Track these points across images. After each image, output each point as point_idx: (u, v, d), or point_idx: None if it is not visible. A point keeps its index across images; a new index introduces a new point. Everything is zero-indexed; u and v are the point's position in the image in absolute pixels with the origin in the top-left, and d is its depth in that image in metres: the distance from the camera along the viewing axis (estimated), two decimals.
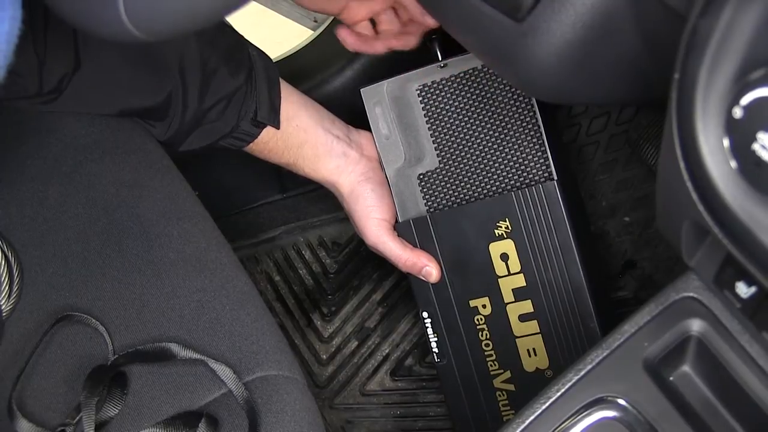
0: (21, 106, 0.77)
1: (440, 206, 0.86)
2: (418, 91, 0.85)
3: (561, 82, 0.60)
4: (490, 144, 0.84)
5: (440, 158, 0.85)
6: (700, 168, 0.45)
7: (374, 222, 0.86)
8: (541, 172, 0.82)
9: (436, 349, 0.89)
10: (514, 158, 0.83)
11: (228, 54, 0.78)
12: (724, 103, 0.43)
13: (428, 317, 0.88)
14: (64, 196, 0.77)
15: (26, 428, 0.69)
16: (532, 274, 0.84)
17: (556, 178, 0.81)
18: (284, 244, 1.15)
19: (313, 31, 1.13)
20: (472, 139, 0.84)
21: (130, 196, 0.77)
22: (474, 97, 0.83)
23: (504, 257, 0.84)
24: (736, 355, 0.53)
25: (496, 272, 0.85)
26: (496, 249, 0.84)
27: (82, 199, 0.77)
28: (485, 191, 0.84)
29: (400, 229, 0.87)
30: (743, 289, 0.51)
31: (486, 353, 0.88)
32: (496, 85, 0.83)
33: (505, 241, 0.84)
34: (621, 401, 0.55)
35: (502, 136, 0.83)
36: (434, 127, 0.85)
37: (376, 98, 0.86)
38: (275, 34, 1.27)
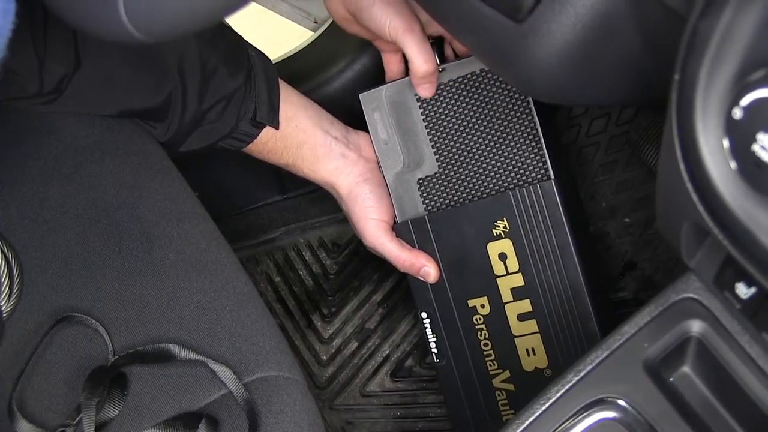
0: (21, 106, 0.77)
1: (439, 208, 0.86)
2: (418, 96, 0.85)
3: (561, 83, 0.60)
4: (488, 145, 0.83)
5: (439, 163, 0.85)
6: (700, 169, 0.45)
7: (372, 223, 0.86)
8: (538, 172, 0.82)
9: (435, 350, 0.89)
10: (512, 158, 0.83)
11: (227, 54, 0.79)
12: (724, 104, 0.43)
13: (427, 317, 0.88)
14: (64, 197, 0.77)
15: (26, 429, 0.69)
16: (531, 273, 0.83)
17: (553, 177, 0.81)
18: (284, 245, 1.15)
19: (313, 33, 1.14)
20: (471, 142, 0.84)
21: (130, 197, 0.77)
22: (472, 100, 0.83)
23: (502, 257, 0.84)
24: (736, 355, 0.53)
25: (495, 272, 0.85)
26: (494, 249, 0.84)
27: (83, 200, 0.77)
28: (483, 192, 0.84)
29: (399, 230, 0.87)
30: (743, 290, 0.51)
31: (485, 353, 0.88)
32: (494, 88, 0.82)
33: (503, 240, 0.84)
34: (621, 402, 0.55)
35: (500, 137, 0.83)
36: (433, 131, 0.85)
37: (375, 103, 0.86)
38: (275, 35, 1.27)
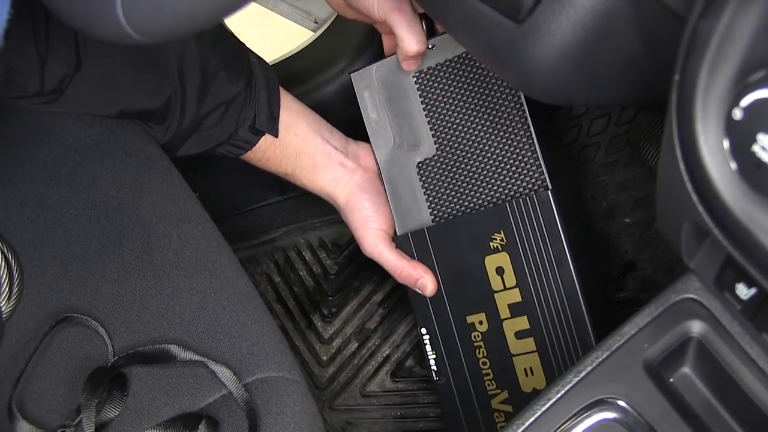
0: (21, 106, 0.77)
1: (439, 194, 0.84)
2: (415, 77, 0.83)
3: (561, 84, 0.60)
4: (484, 144, 0.82)
5: (438, 144, 0.83)
6: (700, 169, 0.45)
7: (372, 232, 0.86)
8: (535, 181, 0.80)
9: (434, 368, 0.88)
10: (508, 167, 0.81)
11: (228, 60, 0.79)
12: (724, 105, 0.43)
13: (426, 334, 0.87)
14: (64, 197, 0.77)
15: (26, 430, 0.69)
16: (528, 288, 0.81)
17: (550, 187, 0.79)
18: (284, 246, 1.15)
19: (313, 33, 1.14)
20: (467, 128, 0.82)
21: (130, 198, 0.77)
22: (469, 87, 0.81)
23: (499, 271, 0.82)
24: (737, 356, 0.53)
25: (492, 287, 0.83)
26: (491, 262, 0.83)
27: (82, 200, 0.77)
28: (481, 201, 0.83)
29: (399, 243, 0.86)
30: (743, 291, 0.51)
31: (483, 372, 0.86)
32: (489, 85, 0.81)
33: (500, 254, 0.82)
34: (621, 403, 0.55)
35: (496, 139, 0.81)
36: (431, 113, 0.83)
37: (366, 82, 0.85)
38: (275, 35, 1.27)
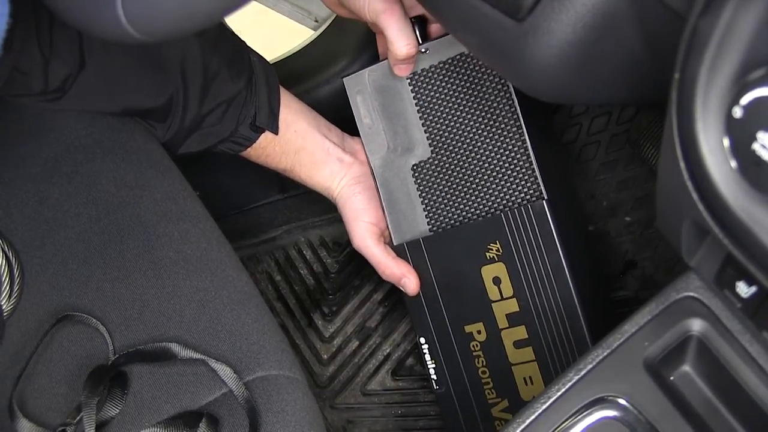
0: (24, 102, 0.77)
1: (435, 199, 0.84)
2: (408, 80, 0.82)
3: (561, 83, 0.60)
4: (479, 148, 0.81)
5: (432, 147, 0.83)
6: (700, 168, 0.45)
7: (362, 225, 0.86)
8: (529, 191, 0.79)
9: (434, 376, 0.88)
10: (503, 176, 0.80)
11: (229, 58, 0.79)
12: (724, 103, 0.43)
13: (425, 343, 0.87)
14: (64, 196, 0.77)
15: (27, 428, 0.69)
16: (525, 298, 0.81)
17: (546, 197, 0.78)
18: (285, 244, 1.15)
19: (313, 31, 1.14)
20: (463, 132, 0.81)
21: (130, 197, 0.77)
22: (464, 89, 0.81)
23: (496, 281, 0.82)
24: (737, 354, 0.53)
25: (489, 296, 0.83)
26: (488, 272, 0.82)
27: (83, 199, 0.77)
28: (477, 204, 0.82)
29: (395, 252, 0.86)
30: (744, 289, 0.51)
31: (483, 381, 0.86)
32: (484, 88, 0.80)
33: (496, 264, 0.82)
34: (621, 401, 0.55)
35: (490, 144, 0.81)
36: (425, 115, 0.83)
37: (358, 87, 0.85)
38: (276, 34, 1.27)
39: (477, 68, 0.80)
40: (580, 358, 0.57)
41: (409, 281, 0.85)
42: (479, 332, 0.84)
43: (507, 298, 0.82)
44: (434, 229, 0.84)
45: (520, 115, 0.79)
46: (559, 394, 0.56)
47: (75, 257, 0.75)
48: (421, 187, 0.84)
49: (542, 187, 0.79)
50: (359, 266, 1.13)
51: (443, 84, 0.82)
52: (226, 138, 0.81)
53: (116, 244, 0.75)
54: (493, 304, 0.83)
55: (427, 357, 0.87)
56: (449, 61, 0.81)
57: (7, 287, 0.73)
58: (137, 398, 0.70)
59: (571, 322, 0.80)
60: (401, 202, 0.85)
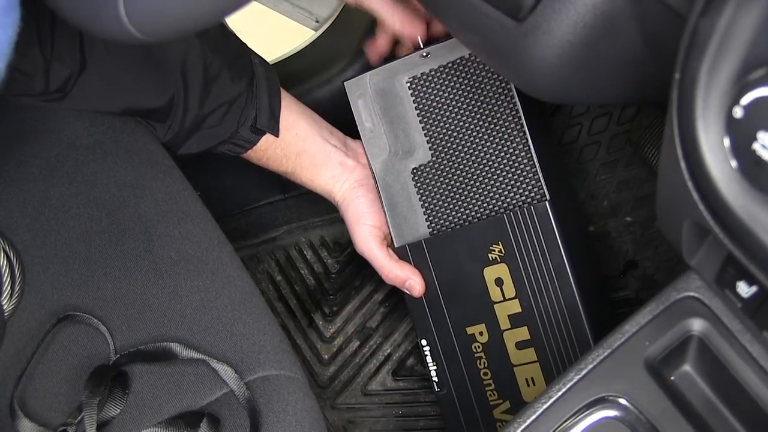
0: (25, 102, 0.77)
1: (435, 203, 0.84)
2: (408, 83, 0.82)
3: (562, 82, 0.60)
4: (480, 151, 0.81)
5: (433, 151, 0.83)
6: (700, 167, 0.45)
7: (365, 228, 0.86)
8: (531, 192, 0.79)
9: (435, 378, 0.87)
10: (505, 177, 0.80)
11: (230, 60, 0.79)
12: (725, 103, 0.43)
13: (427, 345, 0.87)
14: (66, 196, 0.77)
15: (28, 428, 0.69)
16: (527, 299, 0.81)
17: (548, 198, 0.78)
18: (286, 244, 1.15)
19: (314, 32, 1.14)
20: (464, 135, 0.82)
21: (131, 197, 0.78)
22: (465, 96, 0.81)
23: (498, 282, 0.82)
24: (737, 354, 0.53)
25: (492, 298, 0.83)
26: (490, 274, 0.82)
27: (84, 199, 0.77)
28: (479, 206, 0.82)
29: (396, 254, 0.86)
30: (744, 289, 0.51)
31: (485, 382, 0.85)
32: (485, 91, 0.80)
33: (499, 265, 0.82)
34: (622, 401, 0.55)
35: (492, 147, 0.81)
36: (426, 118, 0.83)
37: (360, 90, 0.85)
38: (277, 34, 1.27)
39: (477, 71, 0.80)
40: (581, 358, 0.57)
41: (414, 283, 0.84)
42: (481, 334, 0.84)
43: (509, 299, 0.82)
44: (434, 232, 0.84)
45: (522, 116, 0.79)
46: (559, 394, 0.56)
47: (76, 257, 0.75)
48: (421, 191, 0.84)
49: (545, 188, 0.79)
50: (360, 266, 1.13)
51: (444, 88, 0.82)
52: (227, 139, 0.81)
53: (117, 244, 0.76)
54: (495, 306, 0.83)
55: (429, 359, 0.87)
56: (449, 65, 0.81)
57: (8, 287, 0.73)
58: (138, 398, 0.70)
59: (573, 323, 0.80)
60: (402, 206, 0.85)
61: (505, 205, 0.81)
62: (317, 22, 1.26)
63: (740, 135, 0.42)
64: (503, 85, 0.79)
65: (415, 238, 0.85)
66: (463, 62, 0.81)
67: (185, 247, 0.76)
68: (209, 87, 0.78)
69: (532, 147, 0.79)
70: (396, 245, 0.86)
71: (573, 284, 0.79)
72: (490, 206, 0.82)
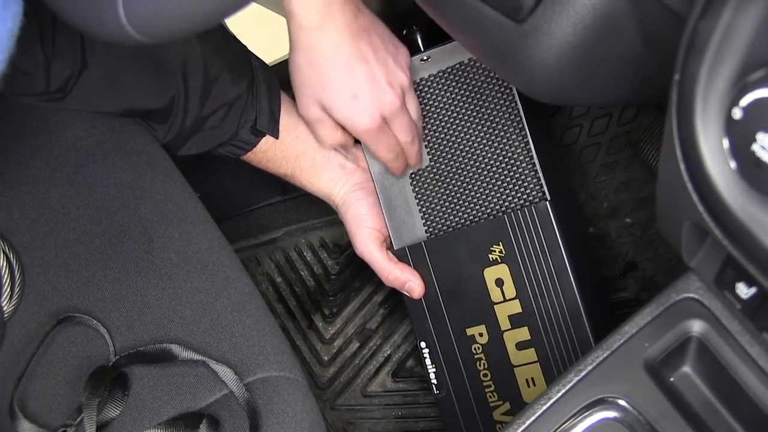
0: (26, 102, 0.77)
1: (433, 206, 0.84)
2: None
3: (562, 84, 0.60)
4: (479, 155, 0.81)
5: (431, 156, 0.83)
6: (700, 169, 0.45)
7: (365, 231, 0.85)
8: (532, 192, 0.80)
9: (434, 381, 0.87)
10: (505, 178, 0.81)
11: (231, 62, 0.79)
12: (724, 104, 0.43)
13: (426, 347, 0.87)
14: (65, 197, 0.78)
15: (28, 429, 0.69)
16: (528, 299, 0.81)
17: (549, 198, 0.79)
18: (285, 246, 1.15)
19: None
20: (463, 140, 0.82)
21: (131, 198, 0.78)
22: (465, 99, 0.81)
23: (499, 282, 0.82)
24: (737, 355, 0.53)
25: (492, 298, 0.83)
26: (490, 274, 0.82)
27: (84, 200, 0.77)
28: (479, 208, 0.82)
29: (396, 256, 0.85)
30: (743, 290, 0.51)
31: (485, 384, 0.85)
32: (484, 84, 0.80)
33: (499, 265, 0.81)
34: (622, 402, 0.55)
35: (492, 150, 0.81)
36: (425, 124, 0.83)
37: None
38: (275, 36, 1.27)
39: (477, 75, 0.81)
40: (581, 359, 0.57)
41: (414, 285, 0.84)
42: (481, 335, 0.84)
43: (509, 300, 0.82)
44: (433, 234, 0.84)
45: (523, 117, 0.79)
46: (559, 395, 0.56)
47: (76, 258, 0.75)
48: (419, 195, 0.84)
49: (545, 189, 0.79)
50: (360, 268, 1.13)
51: (442, 92, 0.82)
52: (227, 141, 0.81)
53: (117, 245, 0.76)
54: (495, 306, 0.83)
55: (428, 361, 0.87)
56: (448, 69, 0.81)
57: (8, 288, 0.73)
58: (138, 399, 0.70)
59: (574, 323, 0.80)
60: (400, 209, 0.85)
61: (506, 205, 0.81)
62: None
63: (739, 136, 0.43)
64: (504, 87, 0.79)
65: (414, 241, 0.85)
66: (463, 67, 0.81)
67: (185, 248, 0.76)
68: (209, 88, 0.78)
69: (532, 146, 0.79)
70: (395, 248, 0.86)
71: (574, 284, 0.79)
72: (491, 207, 0.82)
